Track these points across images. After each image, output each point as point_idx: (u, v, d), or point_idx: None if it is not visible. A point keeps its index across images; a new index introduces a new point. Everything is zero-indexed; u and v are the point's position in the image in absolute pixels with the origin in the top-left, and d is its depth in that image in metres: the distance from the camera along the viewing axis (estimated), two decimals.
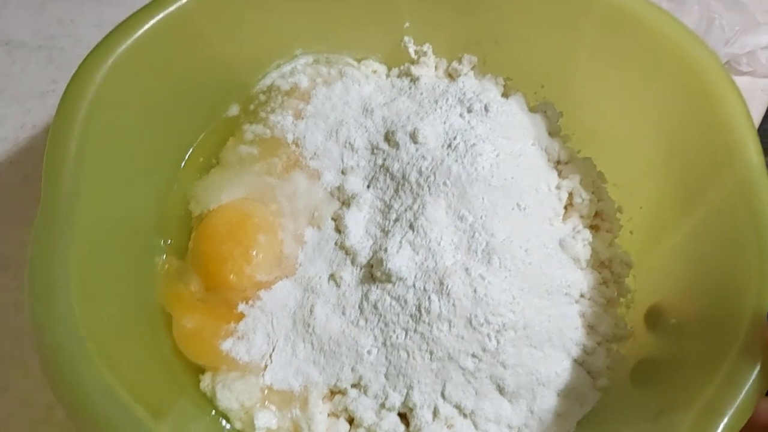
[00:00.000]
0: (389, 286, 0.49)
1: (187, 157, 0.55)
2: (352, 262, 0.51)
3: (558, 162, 0.57)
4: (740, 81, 0.70)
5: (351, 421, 0.48)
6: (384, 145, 0.54)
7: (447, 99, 0.55)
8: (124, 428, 0.37)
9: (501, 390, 0.48)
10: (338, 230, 0.53)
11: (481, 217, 0.50)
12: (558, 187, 0.54)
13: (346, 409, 0.48)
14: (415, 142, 0.53)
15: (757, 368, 0.40)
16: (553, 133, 0.57)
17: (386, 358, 0.48)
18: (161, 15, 0.48)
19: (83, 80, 0.44)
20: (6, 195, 0.63)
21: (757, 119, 0.73)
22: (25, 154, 0.67)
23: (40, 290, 0.39)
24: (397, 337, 0.48)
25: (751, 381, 0.40)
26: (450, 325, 0.47)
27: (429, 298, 0.47)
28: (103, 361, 0.38)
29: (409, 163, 0.52)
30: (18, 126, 0.69)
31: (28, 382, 0.55)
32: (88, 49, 0.72)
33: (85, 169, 0.43)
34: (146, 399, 0.39)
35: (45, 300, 0.38)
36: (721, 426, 0.39)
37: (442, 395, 0.47)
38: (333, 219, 0.53)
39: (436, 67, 0.60)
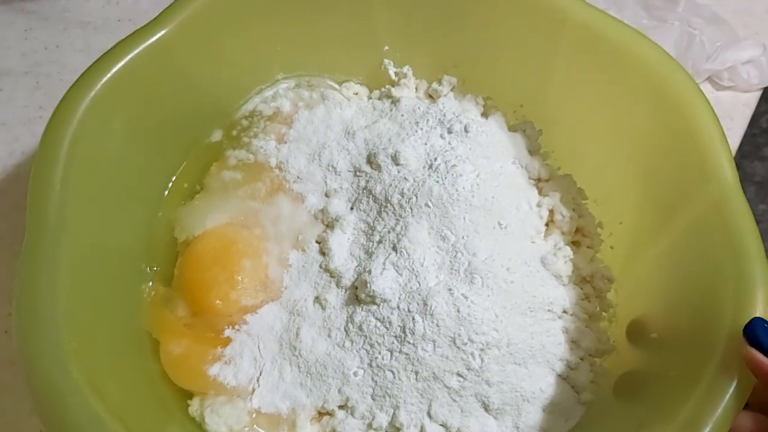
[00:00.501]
0: (374, 307, 0.49)
1: (171, 184, 0.55)
2: (337, 285, 0.52)
3: (538, 179, 0.58)
4: (722, 96, 0.72)
5: None
6: (366, 168, 0.55)
7: (427, 120, 0.56)
8: None
9: (486, 407, 0.49)
10: (322, 253, 0.53)
11: (463, 237, 0.51)
12: (539, 205, 0.55)
13: (334, 431, 0.48)
14: (397, 164, 0.54)
15: (734, 383, 0.41)
16: (533, 151, 0.58)
17: (372, 379, 0.48)
18: (142, 46, 0.49)
19: (66, 113, 0.45)
20: None
21: (740, 133, 0.73)
22: (13, 182, 0.67)
23: (27, 322, 0.39)
24: (382, 358, 0.48)
25: (728, 396, 0.40)
26: (434, 345, 0.48)
27: (413, 318, 0.48)
28: (91, 390, 0.38)
29: (391, 184, 0.53)
30: (6, 154, 0.68)
31: (20, 407, 0.55)
32: (74, 74, 0.72)
33: (70, 200, 0.44)
34: (135, 426, 0.39)
35: (32, 332, 0.39)
36: None
37: (428, 414, 0.48)
38: (317, 242, 0.54)
39: (416, 89, 0.61)
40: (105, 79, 0.47)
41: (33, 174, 0.43)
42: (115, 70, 0.47)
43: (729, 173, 0.47)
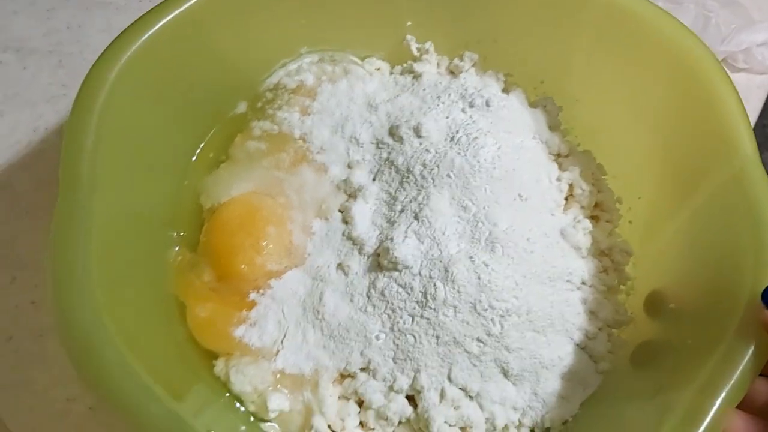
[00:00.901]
0: (396, 273, 0.50)
1: (197, 153, 0.56)
2: (359, 252, 0.52)
3: (558, 155, 0.58)
4: (737, 78, 0.72)
5: (360, 403, 0.50)
6: (388, 140, 0.56)
7: (449, 94, 0.57)
8: (147, 407, 0.38)
9: (505, 373, 0.50)
10: (345, 221, 0.54)
11: (484, 207, 0.51)
12: (559, 179, 0.56)
13: (355, 392, 0.49)
14: (419, 136, 0.55)
15: (752, 348, 0.41)
16: (553, 127, 0.59)
17: (394, 342, 0.49)
18: (171, 16, 0.50)
19: (98, 77, 0.46)
20: (20, 198, 0.65)
21: (754, 116, 0.74)
22: (38, 158, 0.68)
23: (62, 277, 0.40)
24: (404, 323, 0.49)
25: (746, 360, 0.41)
26: (455, 310, 0.49)
27: (434, 285, 0.49)
28: (124, 343, 0.39)
29: (413, 156, 0.54)
30: (30, 130, 0.70)
31: (47, 377, 0.57)
32: (97, 54, 0.73)
33: (101, 163, 0.45)
34: (165, 381, 0.40)
35: (67, 286, 0.40)
36: (717, 403, 0.40)
37: (449, 378, 0.49)
38: (340, 211, 0.55)
39: (438, 65, 0.62)
40: (136, 45, 0.48)
41: (66, 136, 0.45)
42: (146, 37, 0.48)
43: (749, 146, 0.48)
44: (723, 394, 0.40)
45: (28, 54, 0.75)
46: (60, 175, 0.44)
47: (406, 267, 0.50)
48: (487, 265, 0.49)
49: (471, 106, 0.56)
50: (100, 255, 0.42)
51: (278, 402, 0.48)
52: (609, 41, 0.57)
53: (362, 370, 0.50)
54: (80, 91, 0.46)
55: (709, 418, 0.40)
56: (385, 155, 0.55)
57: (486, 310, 0.49)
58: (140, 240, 0.49)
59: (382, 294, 0.50)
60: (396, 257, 0.50)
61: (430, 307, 0.49)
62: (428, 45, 0.61)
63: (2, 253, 0.62)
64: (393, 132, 0.56)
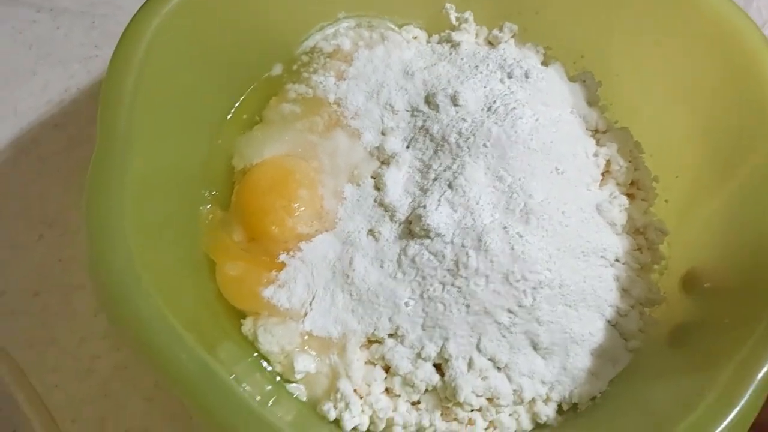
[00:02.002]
0: (427, 241, 0.50)
1: (231, 114, 0.56)
2: (391, 219, 0.52)
3: (596, 131, 0.57)
4: None
5: (387, 369, 0.49)
6: (424, 108, 0.55)
7: (487, 64, 0.56)
8: (180, 356, 0.38)
9: (535, 346, 0.49)
10: (377, 188, 0.54)
11: (520, 179, 0.51)
12: (596, 154, 0.55)
13: (382, 358, 0.49)
14: (456, 105, 0.54)
15: None
16: (591, 102, 0.58)
17: (423, 310, 0.49)
18: None
19: (139, 30, 0.46)
20: (51, 157, 0.65)
21: None
22: (69, 117, 0.68)
23: (97, 226, 0.40)
24: (434, 291, 0.49)
25: None
26: (487, 280, 0.48)
27: (467, 253, 0.48)
28: (158, 293, 0.39)
29: (449, 124, 0.53)
30: (62, 90, 0.70)
31: (73, 335, 0.57)
32: (130, 15, 0.73)
33: (138, 116, 0.44)
34: (198, 333, 0.40)
35: (102, 235, 0.40)
36: (758, 378, 0.39)
37: (478, 348, 0.48)
38: (372, 177, 0.54)
39: (476, 35, 0.61)
40: (173, 3, 0.47)
41: (104, 87, 0.44)
42: None
43: None
44: (761, 374, 0.40)
45: (61, 13, 0.75)
46: (98, 126, 0.43)
47: (439, 235, 0.49)
48: (521, 236, 0.49)
49: (509, 76, 0.55)
50: (134, 207, 0.42)
51: (305, 363, 0.48)
52: (652, 16, 0.56)
53: (390, 336, 0.49)
54: (119, 44, 0.46)
55: (746, 398, 0.39)
56: (419, 123, 0.55)
57: (518, 281, 0.48)
58: (173, 196, 0.48)
59: (413, 261, 0.50)
60: (428, 224, 0.49)
61: (462, 276, 0.48)
62: (467, 14, 0.60)
63: (31, 211, 0.62)
64: (429, 100, 0.55)
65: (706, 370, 0.43)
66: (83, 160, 0.64)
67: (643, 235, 0.55)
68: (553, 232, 0.50)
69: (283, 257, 0.50)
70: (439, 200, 0.50)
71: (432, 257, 0.49)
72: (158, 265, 0.43)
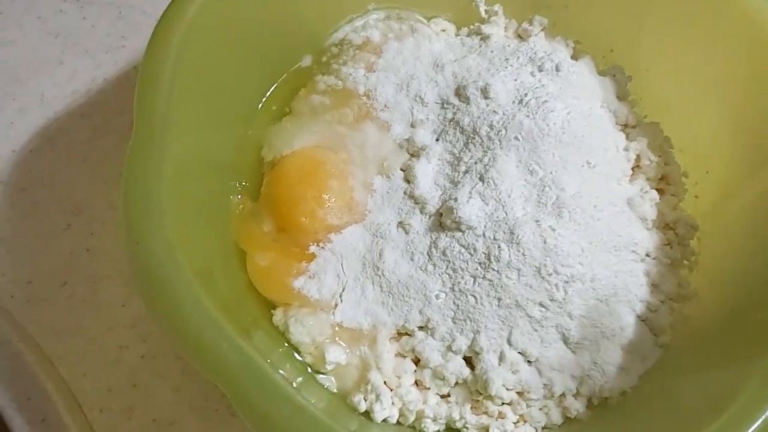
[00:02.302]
0: (458, 234, 0.49)
1: (261, 104, 0.56)
2: (421, 211, 0.52)
3: (626, 125, 0.57)
4: None
5: (417, 361, 0.49)
6: (454, 100, 0.55)
7: (518, 57, 0.56)
8: (221, 344, 0.38)
9: (566, 340, 0.49)
10: (407, 180, 0.53)
11: (552, 172, 0.51)
12: (626, 149, 0.55)
13: (413, 350, 0.49)
14: (486, 98, 0.54)
15: None
16: (621, 96, 0.58)
17: (454, 302, 0.49)
18: None
19: (176, 15, 0.46)
20: (77, 146, 0.65)
21: None
22: (95, 107, 0.68)
23: (136, 207, 0.40)
24: (465, 283, 0.48)
25: None
26: (519, 273, 0.48)
27: (499, 246, 0.48)
28: (195, 279, 0.39)
29: (479, 117, 0.53)
30: (89, 80, 0.70)
31: (100, 324, 0.57)
32: (156, 7, 0.73)
33: (175, 104, 0.44)
34: (234, 321, 0.40)
35: (141, 218, 0.40)
36: None
37: (508, 341, 0.48)
38: (402, 169, 0.54)
39: (505, 28, 0.61)
40: None
41: (142, 72, 0.44)
42: None
43: None
44: None
45: (88, 4, 0.74)
46: (135, 111, 0.43)
47: (470, 227, 0.49)
48: (553, 230, 0.48)
49: (540, 70, 0.55)
50: (172, 194, 0.42)
51: (336, 355, 0.48)
52: (683, 10, 0.55)
53: (420, 328, 0.49)
54: (156, 30, 0.46)
55: None
56: (450, 115, 0.55)
57: (551, 274, 0.48)
58: (206, 184, 0.49)
59: (444, 254, 0.49)
60: (460, 217, 0.49)
61: (493, 269, 0.48)
62: (497, 7, 0.60)
63: (58, 200, 0.62)
64: (459, 92, 0.55)
65: (737, 369, 0.43)
66: (109, 150, 0.65)
67: (673, 231, 0.54)
68: (585, 225, 0.50)
69: (313, 248, 0.50)
70: (470, 193, 0.50)
71: (463, 250, 0.49)
72: (194, 252, 0.43)
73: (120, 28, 0.73)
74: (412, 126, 0.55)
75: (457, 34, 0.61)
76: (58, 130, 0.65)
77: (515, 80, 0.54)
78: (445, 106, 0.55)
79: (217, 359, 0.38)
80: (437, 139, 0.55)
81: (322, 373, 0.48)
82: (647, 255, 0.52)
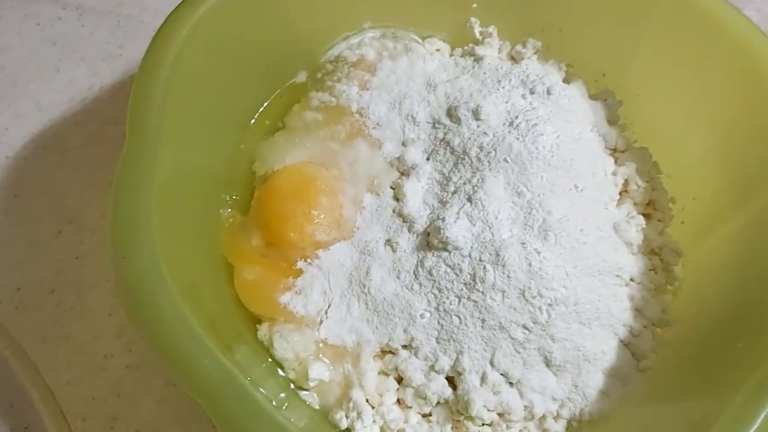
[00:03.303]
0: (445, 254, 0.50)
1: (254, 119, 0.57)
2: (409, 230, 0.52)
3: (615, 150, 0.58)
4: None
5: (400, 380, 0.50)
6: (446, 120, 0.56)
7: (510, 80, 0.57)
8: (202, 361, 0.38)
9: (548, 362, 0.49)
10: (396, 198, 0.54)
11: (539, 195, 0.51)
12: (614, 173, 0.55)
13: (396, 369, 0.49)
14: (477, 119, 0.54)
15: None
16: (612, 121, 0.58)
17: (438, 322, 0.49)
18: None
19: (172, 29, 0.46)
20: (71, 154, 0.65)
21: None
22: (91, 115, 0.68)
23: (124, 221, 0.40)
24: (450, 304, 0.49)
25: None
26: (503, 295, 0.48)
27: (484, 267, 0.49)
28: (180, 294, 0.39)
29: (470, 138, 0.53)
30: (85, 87, 0.70)
31: (87, 332, 0.57)
32: (154, 17, 0.73)
33: (168, 115, 0.45)
34: (217, 337, 0.40)
35: (128, 232, 0.40)
36: None
37: (491, 363, 0.49)
38: (392, 187, 0.55)
39: (499, 50, 0.61)
40: (210, 3, 0.48)
41: (136, 85, 0.45)
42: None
43: None
44: None
45: (87, 12, 0.75)
46: (128, 123, 0.44)
47: (456, 248, 0.50)
48: (539, 253, 0.49)
49: (532, 92, 0.56)
50: (160, 207, 0.42)
51: (319, 371, 0.48)
52: (676, 38, 0.56)
53: (404, 347, 0.50)
54: (153, 43, 0.46)
55: (757, 425, 0.39)
56: (441, 135, 0.55)
57: (534, 297, 0.48)
58: (196, 197, 0.49)
59: (430, 273, 0.50)
60: (447, 237, 0.49)
61: (478, 290, 0.48)
62: (491, 29, 0.61)
63: (50, 207, 0.62)
64: (451, 113, 0.56)
65: (717, 395, 0.43)
66: (103, 159, 0.65)
67: (658, 256, 0.55)
68: (571, 249, 0.50)
69: (300, 264, 0.51)
70: (458, 213, 0.51)
71: (449, 270, 0.49)
72: (181, 267, 0.43)
73: (118, 37, 0.74)
74: (404, 145, 0.56)
75: (451, 54, 0.62)
76: (52, 137, 0.66)
77: (506, 102, 0.55)
78: (437, 125, 0.56)
79: (199, 376, 0.38)
80: (428, 159, 0.55)
81: (305, 390, 0.49)
82: (631, 280, 0.53)
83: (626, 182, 0.56)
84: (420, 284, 0.50)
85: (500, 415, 0.49)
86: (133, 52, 0.72)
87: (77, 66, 0.71)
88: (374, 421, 0.48)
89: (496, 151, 0.52)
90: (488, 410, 0.48)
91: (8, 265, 0.59)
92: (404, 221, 0.53)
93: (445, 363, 0.49)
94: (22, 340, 0.56)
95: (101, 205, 0.62)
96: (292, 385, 0.49)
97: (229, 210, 0.52)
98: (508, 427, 0.49)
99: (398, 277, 0.51)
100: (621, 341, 0.51)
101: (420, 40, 0.61)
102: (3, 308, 0.57)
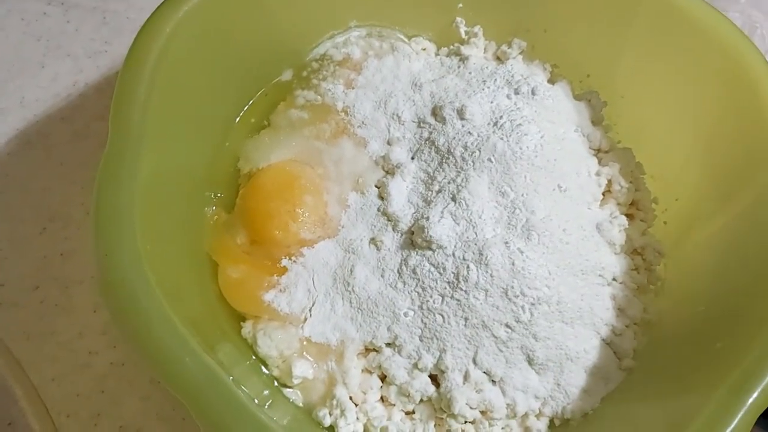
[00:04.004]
0: (429, 252, 0.50)
1: (239, 117, 0.57)
2: (393, 228, 0.52)
3: (599, 150, 0.58)
4: None
5: (383, 378, 0.50)
6: (431, 119, 0.56)
7: (495, 80, 0.57)
8: (184, 360, 0.38)
9: (530, 361, 0.49)
10: (381, 197, 0.54)
11: (523, 195, 0.51)
12: (598, 174, 0.56)
13: (379, 366, 0.49)
14: (462, 119, 0.54)
15: None
16: (596, 121, 0.59)
17: (422, 320, 0.49)
18: None
19: (155, 28, 0.46)
20: (55, 150, 0.65)
21: None
22: (76, 111, 0.68)
23: (106, 218, 0.40)
24: (433, 302, 0.49)
25: None
26: (486, 294, 0.49)
27: (468, 266, 0.49)
28: (163, 293, 0.39)
29: (455, 138, 0.54)
30: (70, 84, 0.70)
31: (72, 328, 0.57)
32: (140, 13, 0.73)
33: (151, 114, 0.45)
34: (200, 336, 0.40)
35: (111, 230, 0.40)
36: (748, 403, 0.40)
37: (474, 361, 0.49)
38: (377, 186, 0.55)
39: (485, 49, 0.61)
40: (192, 3, 0.48)
41: (119, 83, 0.45)
42: None
43: None
44: (752, 399, 0.40)
45: (72, 7, 0.74)
46: (110, 122, 0.44)
47: (440, 247, 0.50)
48: (522, 252, 0.49)
49: (516, 93, 0.56)
50: (143, 206, 0.42)
51: (303, 369, 0.48)
52: (660, 39, 0.56)
53: (388, 345, 0.50)
54: (136, 41, 0.46)
55: (735, 423, 0.40)
56: (426, 134, 0.55)
57: (517, 296, 0.48)
58: (180, 196, 0.49)
59: (414, 272, 0.50)
60: (431, 236, 0.50)
61: (462, 289, 0.49)
62: (477, 29, 0.61)
63: (34, 204, 0.62)
64: (436, 112, 0.56)
65: (696, 394, 0.44)
66: (88, 155, 0.65)
67: (640, 256, 0.55)
68: (554, 248, 0.50)
69: (285, 262, 0.51)
70: (442, 212, 0.51)
71: (433, 269, 0.50)
72: (163, 265, 0.43)
73: (104, 33, 0.73)
74: (389, 143, 0.56)
75: (437, 54, 0.62)
76: (36, 133, 0.65)
77: (491, 102, 0.55)
78: (422, 125, 0.56)
79: (181, 374, 0.38)
80: (413, 158, 0.55)
81: (289, 387, 0.49)
82: (614, 279, 0.53)
83: (609, 183, 0.56)
84: (404, 283, 0.50)
85: (483, 413, 0.49)
86: (118, 48, 0.71)
87: (62, 62, 0.71)
88: (357, 419, 0.48)
89: (480, 151, 0.52)
90: (471, 408, 0.49)
91: None
92: (389, 220, 0.53)
93: (429, 361, 0.49)
94: (5, 336, 0.56)
95: (86, 201, 0.61)
96: (275, 383, 0.49)
97: (214, 208, 0.52)
98: (490, 425, 0.49)
99: (382, 276, 0.51)
100: (603, 340, 0.52)
101: (406, 40, 0.62)
102: None
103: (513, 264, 0.49)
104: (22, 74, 0.69)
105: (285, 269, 0.51)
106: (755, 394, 0.40)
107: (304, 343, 0.49)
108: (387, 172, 0.55)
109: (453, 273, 0.49)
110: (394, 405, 0.49)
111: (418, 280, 0.50)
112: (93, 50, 0.72)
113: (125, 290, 0.39)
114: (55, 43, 0.72)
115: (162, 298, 0.39)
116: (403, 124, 0.56)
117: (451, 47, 0.62)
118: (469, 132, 0.54)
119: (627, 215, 0.56)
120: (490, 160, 0.52)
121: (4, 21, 0.71)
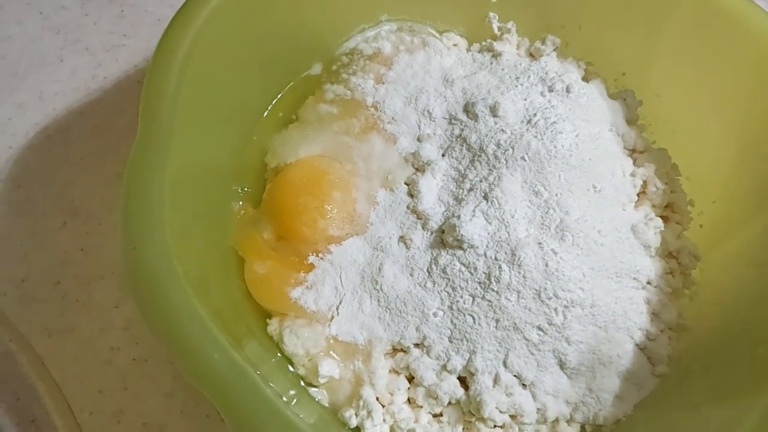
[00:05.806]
0: (459, 252, 0.49)
1: (268, 110, 0.56)
2: (423, 227, 0.51)
3: (633, 150, 0.57)
4: None
5: (411, 379, 0.49)
6: (462, 116, 0.55)
7: (528, 77, 0.56)
8: (212, 355, 0.37)
9: (562, 365, 0.48)
10: (411, 194, 0.53)
11: (557, 194, 0.50)
12: (633, 174, 0.54)
13: (407, 367, 0.48)
14: (495, 116, 0.53)
15: None
16: (630, 121, 0.57)
17: (451, 321, 0.48)
18: None
19: (185, 21, 0.45)
20: (76, 145, 0.64)
21: None
22: (95, 106, 0.67)
23: (135, 214, 0.39)
24: (464, 302, 0.48)
25: None
26: (519, 295, 0.47)
27: (500, 267, 0.48)
28: (191, 287, 0.39)
29: (487, 135, 0.52)
30: (89, 77, 0.69)
31: (93, 325, 0.56)
32: (158, 6, 0.72)
33: (181, 106, 0.44)
34: (227, 332, 0.39)
35: (140, 224, 0.39)
36: None
37: (504, 364, 0.48)
38: (406, 183, 0.54)
39: (518, 46, 0.60)
40: None
41: (148, 77, 0.44)
42: None
43: None
44: None
45: (90, 1, 0.74)
46: (140, 114, 0.43)
47: (472, 246, 0.49)
48: (555, 253, 0.48)
49: (550, 90, 0.55)
50: (172, 199, 0.42)
51: (329, 368, 0.47)
52: (698, 38, 0.55)
53: (416, 345, 0.49)
54: (165, 34, 0.45)
55: None
56: (457, 131, 0.54)
57: (550, 298, 0.47)
58: (207, 189, 0.48)
59: (444, 271, 0.49)
60: (462, 235, 0.48)
61: (493, 290, 0.47)
62: (510, 25, 0.60)
63: (55, 198, 0.61)
64: (468, 109, 0.55)
65: (735, 404, 0.42)
66: (108, 149, 0.64)
67: (675, 259, 0.54)
68: (588, 250, 0.49)
69: (312, 259, 0.50)
70: (473, 211, 0.50)
71: (463, 268, 0.48)
72: (192, 260, 0.42)
73: (122, 27, 0.72)
74: (419, 140, 0.55)
75: (468, 50, 0.61)
76: (56, 128, 0.65)
77: (525, 99, 0.54)
78: (453, 121, 0.55)
79: (208, 370, 0.37)
80: (443, 155, 0.54)
81: (315, 386, 0.48)
82: (648, 283, 0.52)
83: (645, 184, 0.55)
84: (433, 282, 0.49)
85: (513, 417, 0.48)
86: (136, 42, 0.71)
87: (81, 56, 0.70)
88: (384, 420, 0.47)
89: (513, 149, 0.51)
90: (500, 412, 0.47)
91: (12, 256, 0.58)
92: (418, 218, 0.52)
93: (458, 363, 0.48)
94: (27, 332, 0.55)
95: (107, 196, 0.61)
96: (301, 382, 0.48)
97: (241, 202, 0.51)
98: (520, 430, 0.48)
99: (411, 275, 0.50)
100: (637, 345, 0.50)
101: (437, 35, 0.61)
102: (7, 300, 0.56)
103: (546, 265, 0.48)
104: (41, 68, 0.68)
105: (312, 266, 0.50)
106: None
107: (331, 341, 0.48)
108: (417, 170, 0.54)
109: (484, 273, 0.48)
110: (422, 407, 0.48)
111: (448, 279, 0.49)
112: (111, 44, 0.71)
113: (154, 284, 0.38)
114: (73, 36, 0.71)
115: (191, 294, 0.38)
116: (433, 121, 0.55)
117: (484, 43, 0.60)
118: (502, 129, 0.52)
119: (662, 217, 0.55)
120: (523, 158, 0.51)
121: (23, 15, 0.71)
